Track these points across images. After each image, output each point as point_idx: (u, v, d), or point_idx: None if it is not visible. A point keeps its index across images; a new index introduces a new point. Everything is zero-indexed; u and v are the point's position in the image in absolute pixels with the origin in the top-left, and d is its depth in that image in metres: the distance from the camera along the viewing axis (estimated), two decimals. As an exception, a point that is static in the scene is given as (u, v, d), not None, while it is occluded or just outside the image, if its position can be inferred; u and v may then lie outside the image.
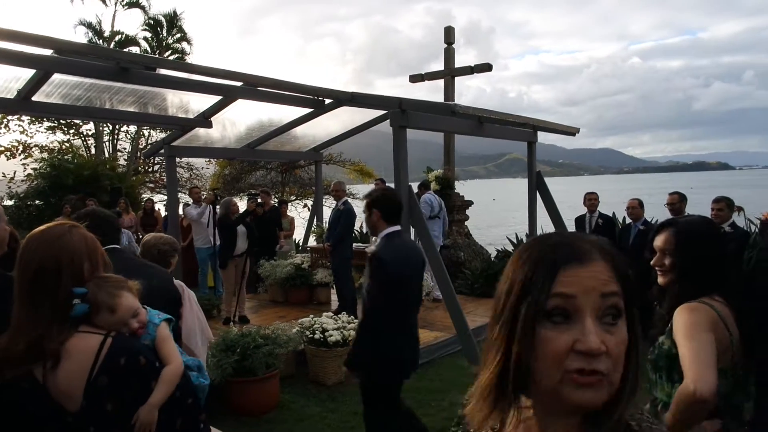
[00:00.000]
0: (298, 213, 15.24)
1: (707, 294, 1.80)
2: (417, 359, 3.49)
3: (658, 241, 1.93)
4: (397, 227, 3.27)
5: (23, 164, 16.14)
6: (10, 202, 13.78)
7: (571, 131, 8.09)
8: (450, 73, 9.73)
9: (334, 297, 7.77)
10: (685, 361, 1.67)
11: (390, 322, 3.16)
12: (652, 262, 1.94)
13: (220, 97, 6.43)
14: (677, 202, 6.33)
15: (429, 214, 7.99)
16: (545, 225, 8.30)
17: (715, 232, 1.95)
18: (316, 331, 5.23)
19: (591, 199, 7.23)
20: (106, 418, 1.58)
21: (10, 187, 14.87)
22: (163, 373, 1.70)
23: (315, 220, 9.75)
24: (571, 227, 7.59)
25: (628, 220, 7.14)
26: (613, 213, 8.30)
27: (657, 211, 7.57)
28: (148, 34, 19.65)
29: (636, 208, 6.72)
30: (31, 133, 16.89)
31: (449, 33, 9.83)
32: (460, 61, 10.02)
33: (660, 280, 1.92)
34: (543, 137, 8.05)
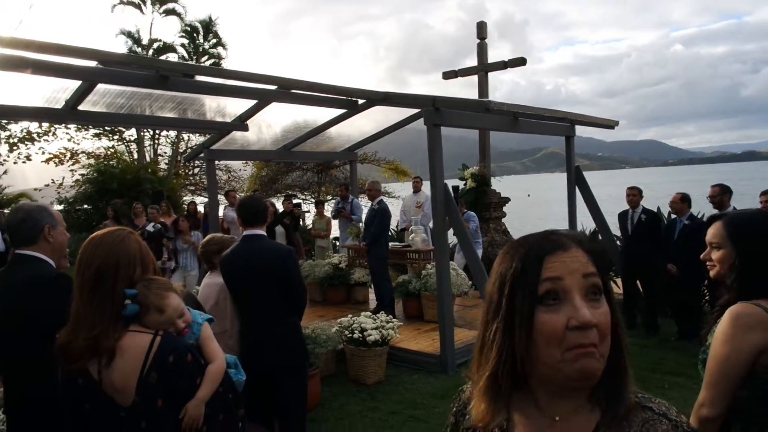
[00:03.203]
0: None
1: (764, 296, 1.65)
2: (265, 360, 3.24)
3: (708, 234, 1.85)
4: (256, 231, 3.41)
5: (71, 170, 16.85)
6: (59, 207, 14.37)
7: (610, 124, 7.87)
8: (483, 69, 9.60)
9: (371, 296, 7.80)
10: (707, 374, 1.67)
11: (241, 316, 3.40)
12: (701, 256, 1.86)
13: (256, 101, 6.54)
14: (718, 194, 6.05)
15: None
16: (585, 221, 8.10)
17: None
18: (355, 331, 5.26)
19: (631, 195, 6.94)
20: (157, 413, 1.65)
21: (59, 193, 15.52)
22: (208, 369, 1.78)
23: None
24: (613, 223, 7.39)
25: (674, 215, 6.88)
26: (658, 207, 8.01)
27: (702, 205, 7.27)
28: (185, 41, 20.19)
29: (677, 202, 6.45)
30: (77, 140, 17.62)
31: (482, 28, 9.71)
32: (494, 56, 9.87)
33: (711, 274, 1.84)
34: (581, 130, 7.85)
